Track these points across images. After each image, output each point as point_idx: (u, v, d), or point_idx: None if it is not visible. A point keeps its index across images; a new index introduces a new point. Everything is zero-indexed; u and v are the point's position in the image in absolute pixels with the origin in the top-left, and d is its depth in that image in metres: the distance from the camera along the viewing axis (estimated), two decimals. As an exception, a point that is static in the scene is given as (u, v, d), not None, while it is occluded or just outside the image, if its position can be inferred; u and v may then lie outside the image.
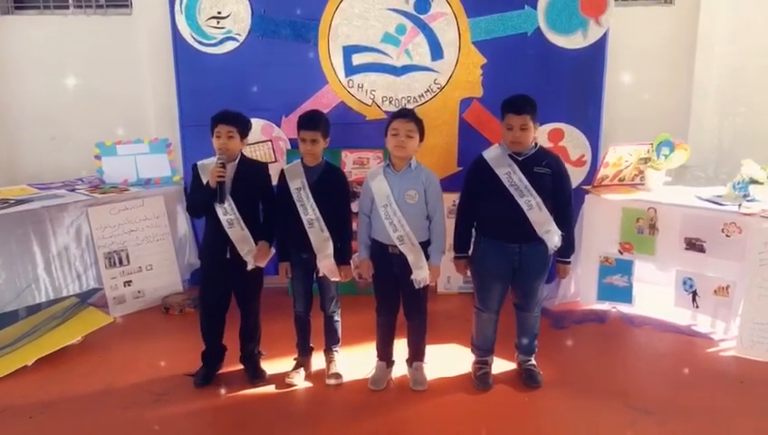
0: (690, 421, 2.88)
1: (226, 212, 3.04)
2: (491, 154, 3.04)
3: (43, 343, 3.55)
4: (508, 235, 3.00)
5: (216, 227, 3.06)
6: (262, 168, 3.25)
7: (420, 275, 3.00)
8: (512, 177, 2.95)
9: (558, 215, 3.05)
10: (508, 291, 3.16)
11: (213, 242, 3.13)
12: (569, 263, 3.18)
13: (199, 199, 3.11)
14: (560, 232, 2.99)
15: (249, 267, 3.10)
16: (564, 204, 3.07)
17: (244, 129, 3.12)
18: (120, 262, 4.18)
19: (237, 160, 3.11)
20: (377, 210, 3.00)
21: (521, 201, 2.93)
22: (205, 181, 3.06)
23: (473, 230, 3.15)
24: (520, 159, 2.98)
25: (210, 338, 3.23)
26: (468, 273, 3.22)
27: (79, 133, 4.82)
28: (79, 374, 3.36)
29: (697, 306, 3.74)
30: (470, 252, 3.16)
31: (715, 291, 3.64)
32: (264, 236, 3.14)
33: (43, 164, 4.92)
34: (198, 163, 3.17)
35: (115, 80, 4.85)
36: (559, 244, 3.00)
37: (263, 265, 3.16)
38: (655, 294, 3.97)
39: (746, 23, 4.67)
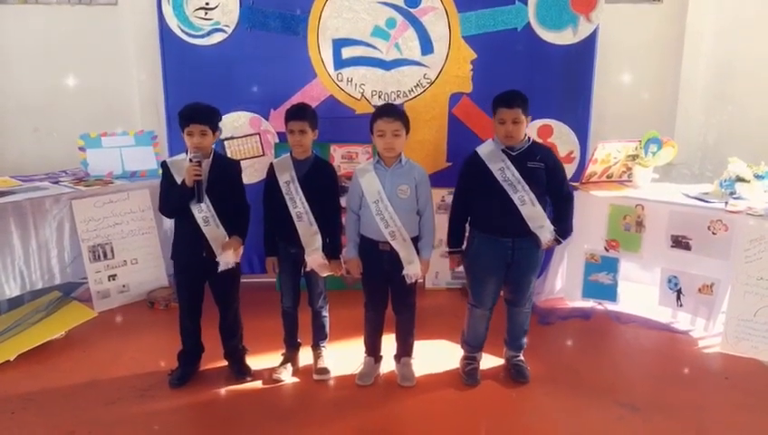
0: (677, 417, 2.89)
1: (202, 210, 2.97)
2: (485, 150, 3.04)
3: (26, 337, 3.50)
4: (501, 230, 3.00)
5: (192, 225, 2.98)
6: (235, 164, 3.21)
7: (412, 269, 2.99)
8: (505, 172, 2.95)
9: (557, 208, 3.07)
10: (501, 287, 3.16)
11: (189, 241, 3.03)
12: (559, 241, 3.12)
13: (175, 199, 3.00)
14: (552, 227, 3.00)
15: (221, 268, 3.04)
16: (564, 198, 3.09)
17: (216, 124, 3.04)
18: (105, 256, 4.13)
19: (211, 157, 3.03)
20: (367, 207, 2.98)
21: (514, 197, 2.93)
22: (179, 180, 2.96)
23: (466, 226, 3.14)
24: (513, 153, 2.99)
25: (189, 337, 3.19)
26: (461, 267, 3.21)
27: (63, 125, 4.75)
28: (62, 369, 3.31)
29: (681, 305, 3.77)
30: (464, 247, 3.16)
31: (700, 289, 3.67)
32: (237, 232, 3.08)
33: (26, 156, 4.85)
34: (168, 160, 3.09)
35: (100, 71, 4.78)
36: (551, 239, 3.01)
37: (237, 259, 3.10)
38: (639, 293, 3.99)
39: (733, 21, 4.71)
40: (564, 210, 3.10)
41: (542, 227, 2.97)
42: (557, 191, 3.05)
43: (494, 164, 2.97)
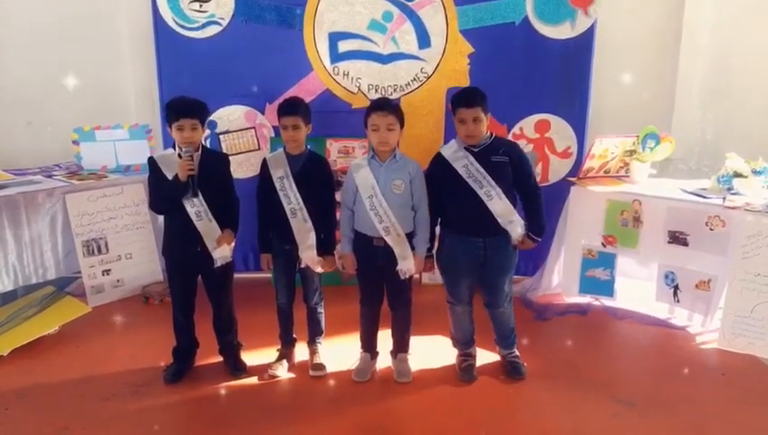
0: (673, 413, 2.89)
1: (194, 205, 2.94)
2: (448, 150, 3.04)
3: (19, 332, 3.47)
4: (471, 229, 2.99)
5: (184, 220, 2.95)
6: (224, 157, 3.19)
7: (406, 265, 2.97)
8: (469, 169, 2.94)
9: (526, 201, 3.06)
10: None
11: (182, 236, 3.00)
12: (535, 240, 3.08)
13: (168, 195, 2.96)
14: (523, 222, 2.99)
15: (218, 263, 3.02)
16: (531, 190, 3.06)
17: (205, 118, 3.03)
18: (99, 250, 4.10)
19: (201, 151, 2.99)
20: (361, 202, 2.96)
21: (480, 192, 2.92)
22: (170, 175, 2.93)
23: (436, 228, 3.13)
24: (476, 150, 2.98)
25: (183, 333, 3.17)
26: (436, 270, 3.20)
27: (57, 118, 4.70)
28: (56, 365, 3.29)
29: (678, 301, 3.76)
30: (435, 250, 3.14)
31: (697, 285, 3.66)
32: (228, 225, 3.06)
33: (19, 149, 4.79)
34: (156, 156, 3.06)
35: (94, 64, 4.73)
36: (522, 233, 2.99)
37: (229, 253, 3.08)
38: (636, 289, 3.98)
39: (731, 14, 4.68)
40: (534, 205, 3.06)
41: (512, 221, 2.96)
42: (524, 185, 3.04)
43: (458, 162, 2.97)
